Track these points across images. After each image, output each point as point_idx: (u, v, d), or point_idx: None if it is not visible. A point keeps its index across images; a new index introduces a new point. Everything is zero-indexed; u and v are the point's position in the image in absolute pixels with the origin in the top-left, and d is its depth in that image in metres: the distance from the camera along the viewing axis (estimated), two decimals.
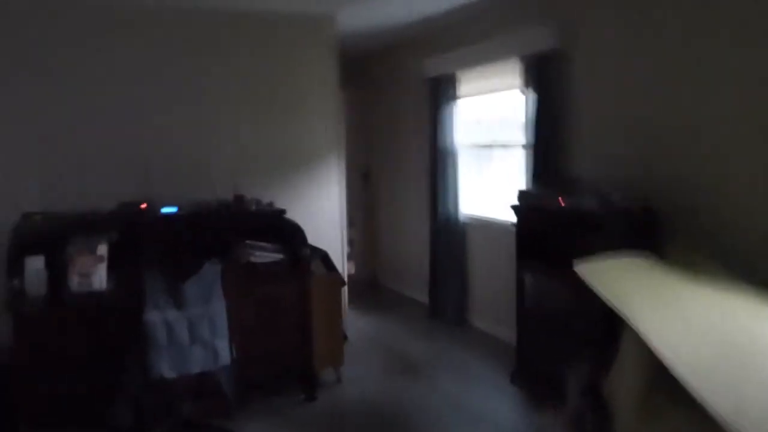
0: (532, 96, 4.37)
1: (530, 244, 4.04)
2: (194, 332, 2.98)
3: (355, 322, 5.55)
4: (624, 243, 3.26)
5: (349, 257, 7.79)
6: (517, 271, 4.15)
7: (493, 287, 5.10)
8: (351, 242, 7.47)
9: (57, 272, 3.41)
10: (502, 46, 4.67)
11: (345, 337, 4.37)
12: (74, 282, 3.39)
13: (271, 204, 4.50)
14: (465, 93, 5.32)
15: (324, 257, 4.28)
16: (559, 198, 3.78)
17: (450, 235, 5.49)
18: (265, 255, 3.95)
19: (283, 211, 4.36)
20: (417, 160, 6.02)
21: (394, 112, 6.62)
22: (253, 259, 3.88)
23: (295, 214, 4.69)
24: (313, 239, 4.55)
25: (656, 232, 3.40)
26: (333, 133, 4.99)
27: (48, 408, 3.26)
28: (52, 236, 3.53)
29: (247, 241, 3.98)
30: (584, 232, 3.52)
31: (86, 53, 4.11)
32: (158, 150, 4.32)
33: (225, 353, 3.09)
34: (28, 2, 3.92)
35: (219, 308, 3.06)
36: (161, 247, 3.80)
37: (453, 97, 5.35)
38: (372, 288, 7.07)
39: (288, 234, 4.16)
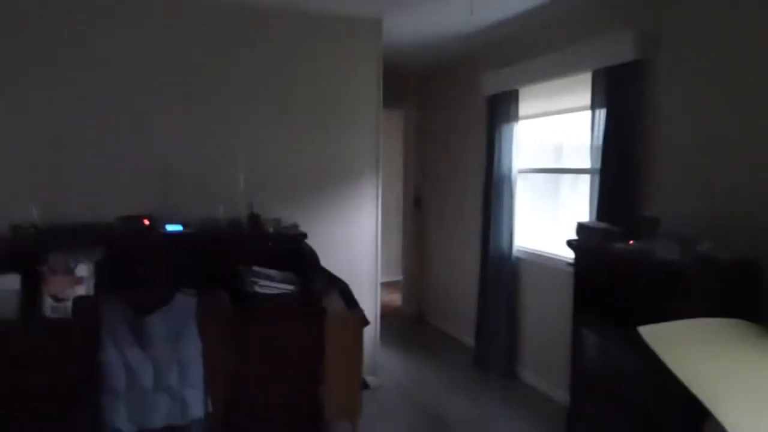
0: (603, 115, 3.67)
1: (590, 290, 3.31)
2: (159, 377, 2.47)
3: (387, 364, 4.93)
4: (712, 303, 2.55)
5: (398, 289, 7.23)
6: (574, 321, 3.42)
7: (548, 336, 4.36)
8: (404, 271, 6.91)
9: (35, 293, 3.01)
10: (570, 58, 3.99)
11: (365, 386, 3.76)
12: (47, 306, 2.96)
13: (294, 226, 3.99)
14: (526, 112, 4.65)
15: (343, 290, 3.69)
16: (629, 238, 3.05)
17: (501, 272, 4.79)
18: (272, 285, 3.41)
19: (303, 236, 3.83)
20: (472, 186, 5.37)
21: (449, 132, 6.01)
22: (257, 289, 3.35)
23: (322, 239, 4.18)
24: (341, 269, 4.01)
25: (757, 293, 2.62)
26: (371, 152, 4.43)
27: None
28: (38, 251, 3.14)
29: (254, 268, 3.46)
30: (659, 285, 2.78)
31: (95, 53, 3.72)
32: (171, 160, 3.87)
33: (197, 404, 2.56)
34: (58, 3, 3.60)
35: (192, 350, 2.54)
36: (158, 268, 3.34)
37: (513, 116, 4.69)
38: (416, 324, 6.41)
39: (304, 262, 3.62)
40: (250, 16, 4.04)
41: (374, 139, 4.43)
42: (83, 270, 3.03)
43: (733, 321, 2.21)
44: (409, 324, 6.42)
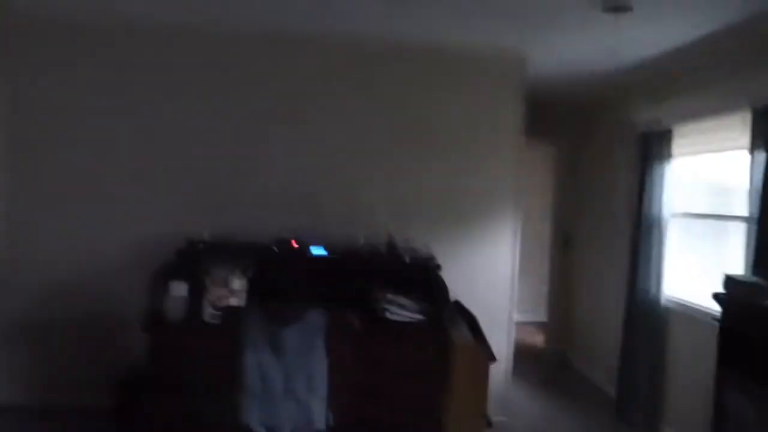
0: (762, 157, 3.38)
1: (737, 348, 3.04)
2: (289, 384, 2.73)
3: (520, 404, 4.85)
4: None
5: (542, 330, 7.04)
6: (716, 384, 3.15)
7: (697, 394, 4.01)
8: (549, 312, 6.75)
9: (198, 300, 3.48)
10: (728, 95, 3.74)
11: (488, 423, 3.75)
12: (207, 312, 3.41)
13: (430, 257, 4.13)
14: (680, 152, 4.40)
15: (472, 324, 3.75)
16: None
17: (647, 320, 4.51)
18: (402, 313, 3.58)
19: (437, 266, 3.96)
20: (622, 228, 5.14)
21: (600, 170, 5.82)
22: (388, 315, 3.54)
23: (457, 271, 4.27)
24: (474, 303, 4.07)
25: None
26: (509, 189, 4.46)
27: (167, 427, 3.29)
28: (204, 264, 3.62)
29: (387, 295, 3.66)
30: None
31: (258, 90, 4.24)
32: (321, 188, 4.26)
33: (320, 417, 2.78)
34: (222, 43, 4.21)
35: (319, 363, 2.77)
36: (301, 287, 3.67)
37: (665, 156, 4.46)
38: (558, 367, 6.20)
39: (436, 292, 3.75)
40: (395, 57, 4.35)
41: (513, 175, 4.47)
42: (238, 284, 3.45)
43: None
44: (550, 366, 6.23)
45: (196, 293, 3.50)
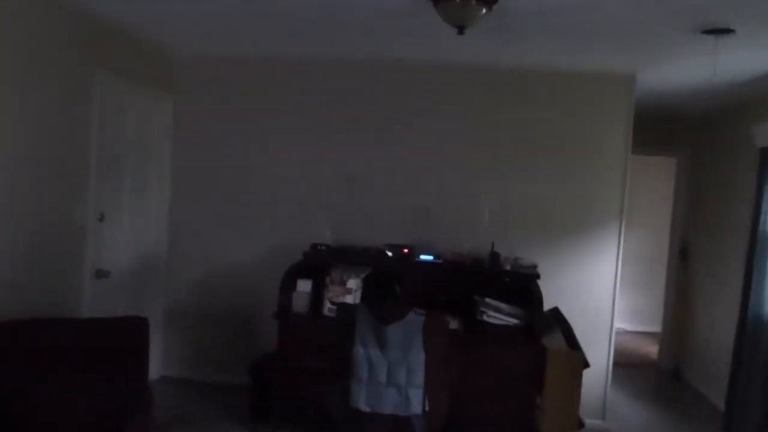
0: None
1: None
2: (391, 375, 3.15)
3: (623, 412, 4.94)
4: None
5: (656, 341, 6.94)
6: None
7: None
8: (664, 323, 6.67)
9: (320, 296, 4.04)
10: None
11: (581, 424, 3.94)
12: (326, 307, 3.94)
13: (532, 266, 4.39)
14: None
15: (566, 331, 3.97)
16: None
17: (759, 338, 4.44)
18: (499, 317, 3.89)
19: (535, 275, 4.21)
20: (739, 242, 5.04)
21: (719, 183, 5.69)
22: (486, 318, 3.88)
23: (560, 281, 4.51)
24: (575, 311, 4.28)
25: None
26: (615, 201, 4.59)
27: (292, 406, 3.88)
28: (324, 265, 4.17)
29: (486, 299, 3.98)
30: None
31: (376, 112, 4.76)
32: (432, 201, 4.66)
33: (417, 403, 3.16)
34: (340, 71, 4.74)
35: (417, 358, 3.15)
36: (410, 289, 4.10)
37: None
38: (670, 379, 6.13)
39: (532, 300, 4.02)
40: (509, 79, 4.64)
41: (620, 188, 4.58)
42: (353, 284, 3.95)
43: None
44: (661, 377, 6.18)
45: (318, 290, 4.06)
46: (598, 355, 4.50)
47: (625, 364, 5.87)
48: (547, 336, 3.86)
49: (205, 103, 4.93)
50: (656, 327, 6.99)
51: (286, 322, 3.99)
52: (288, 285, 4.09)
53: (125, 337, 3.07)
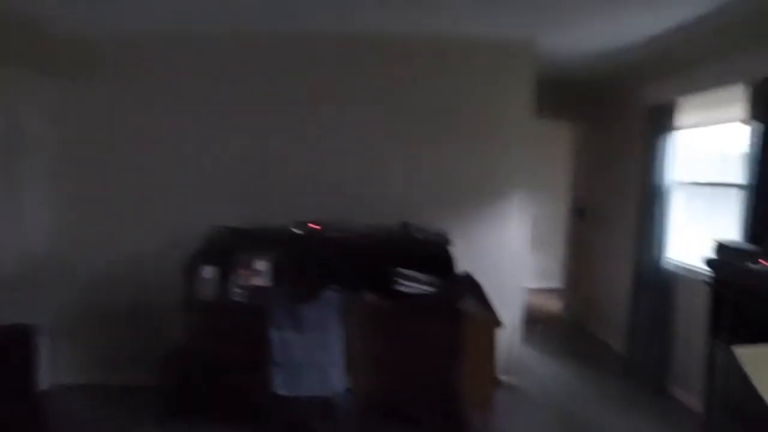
0: (757, 128, 3.53)
1: (726, 309, 3.25)
2: (310, 356, 3.06)
3: (533, 366, 5.13)
4: None
5: (559, 296, 7.28)
6: (709, 339, 3.38)
7: (699, 351, 4.22)
8: (565, 279, 6.98)
9: (226, 281, 3.83)
10: (726, 69, 3.89)
11: (497, 382, 4.05)
12: (234, 292, 3.75)
13: (442, 234, 4.39)
14: (683, 124, 4.55)
15: (480, 294, 4.02)
16: (763, 259, 2.97)
17: (653, 285, 4.73)
18: (414, 286, 3.87)
19: (446, 242, 4.22)
20: (631, 197, 5.32)
21: (612, 143, 5.99)
22: (401, 288, 3.84)
23: (470, 246, 4.55)
24: (487, 274, 4.34)
25: None
26: (518, 165, 4.67)
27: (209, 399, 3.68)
28: (229, 248, 3.96)
29: (402, 270, 3.94)
30: None
31: (279, 86, 4.53)
32: (338, 175, 4.54)
33: (339, 382, 3.10)
34: (240, 45, 4.48)
35: (336, 336, 3.08)
36: (324, 267, 3.98)
37: (669, 128, 4.61)
38: (573, 331, 6.45)
39: (446, 267, 4.03)
40: (406, 47, 4.56)
41: (522, 152, 4.66)
42: (261, 266, 3.77)
43: None
44: (565, 331, 6.49)
45: (225, 276, 3.85)
46: (510, 315, 4.60)
47: (533, 321, 6.10)
48: (462, 300, 3.89)
49: (93, 85, 4.45)
50: (559, 284, 7.32)
51: (193, 312, 3.75)
52: (192, 272, 3.85)
53: (7, 348, 2.75)
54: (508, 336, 4.55)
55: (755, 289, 2.99)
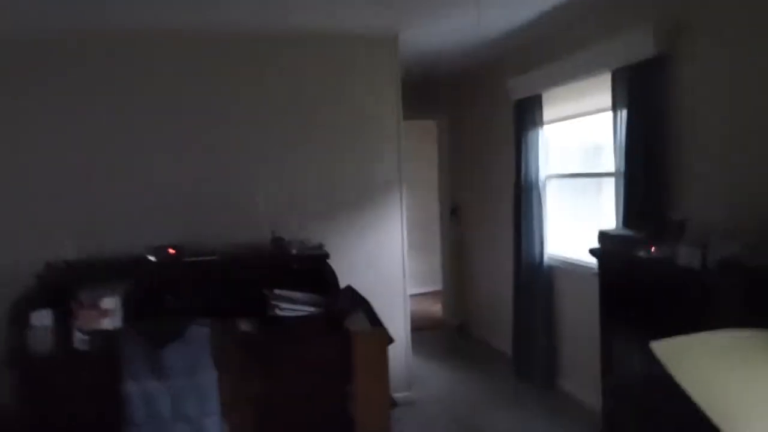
0: (624, 115, 3.55)
1: (616, 298, 3.20)
2: (177, 408, 2.54)
3: (425, 377, 4.90)
4: (737, 312, 2.41)
5: (439, 299, 7.17)
6: (601, 330, 3.32)
7: (584, 345, 4.22)
8: (444, 281, 6.87)
9: (65, 327, 3.15)
10: (590, 58, 3.88)
11: (393, 404, 3.74)
12: (77, 339, 3.09)
13: (319, 246, 4.02)
14: (552, 116, 4.56)
15: (366, 309, 3.69)
16: (651, 245, 2.93)
17: (534, 281, 4.69)
18: (293, 308, 3.45)
19: (324, 255, 3.85)
20: (505, 193, 5.28)
21: (481, 140, 5.95)
22: (278, 312, 3.40)
23: (349, 257, 4.23)
24: (369, 285, 4.01)
25: None
26: (392, 166, 4.42)
27: None
28: (68, 287, 3.28)
29: (275, 291, 3.51)
30: (682, 293, 2.66)
31: (128, 93, 3.90)
32: (196, 190, 3.99)
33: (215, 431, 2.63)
34: (88, 44, 3.80)
35: (208, 379, 2.60)
36: (185, 298, 3.44)
37: (538, 121, 4.60)
38: (458, 335, 6.35)
39: (327, 282, 3.66)
40: (268, 45, 4.13)
41: (395, 153, 4.42)
42: (109, 303, 3.15)
43: (758, 332, 2.08)
44: (450, 335, 6.37)
45: (64, 320, 3.17)
46: (397, 326, 4.33)
47: (417, 328, 5.90)
48: (348, 318, 3.53)
49: None
50: (440, 286, 7.20)
51: (22, 368, 3.04)
52: (19, 320, 3.13)
53: None
54: (399, 349, 4.28)
55: (644, 276, 2.95)
